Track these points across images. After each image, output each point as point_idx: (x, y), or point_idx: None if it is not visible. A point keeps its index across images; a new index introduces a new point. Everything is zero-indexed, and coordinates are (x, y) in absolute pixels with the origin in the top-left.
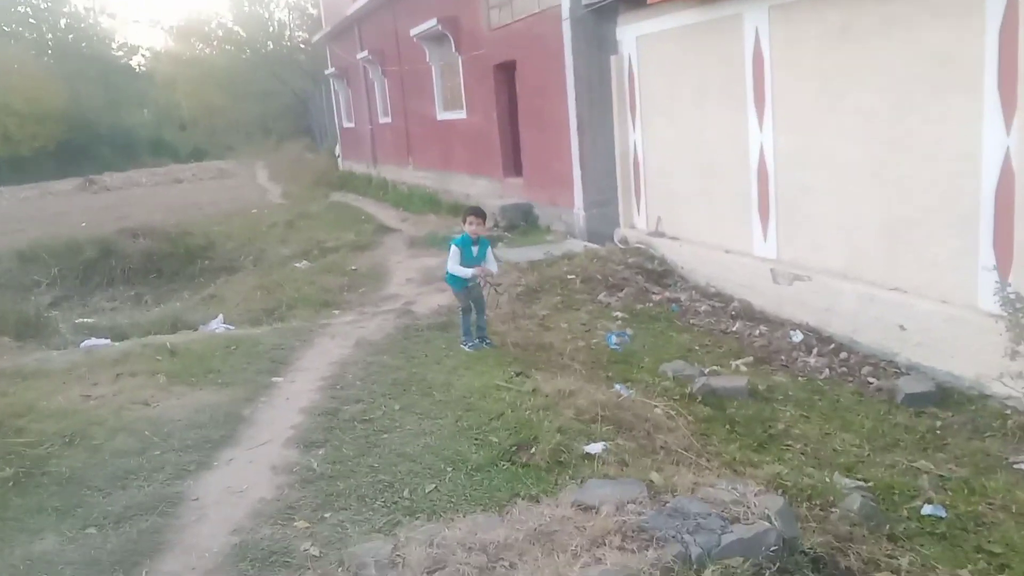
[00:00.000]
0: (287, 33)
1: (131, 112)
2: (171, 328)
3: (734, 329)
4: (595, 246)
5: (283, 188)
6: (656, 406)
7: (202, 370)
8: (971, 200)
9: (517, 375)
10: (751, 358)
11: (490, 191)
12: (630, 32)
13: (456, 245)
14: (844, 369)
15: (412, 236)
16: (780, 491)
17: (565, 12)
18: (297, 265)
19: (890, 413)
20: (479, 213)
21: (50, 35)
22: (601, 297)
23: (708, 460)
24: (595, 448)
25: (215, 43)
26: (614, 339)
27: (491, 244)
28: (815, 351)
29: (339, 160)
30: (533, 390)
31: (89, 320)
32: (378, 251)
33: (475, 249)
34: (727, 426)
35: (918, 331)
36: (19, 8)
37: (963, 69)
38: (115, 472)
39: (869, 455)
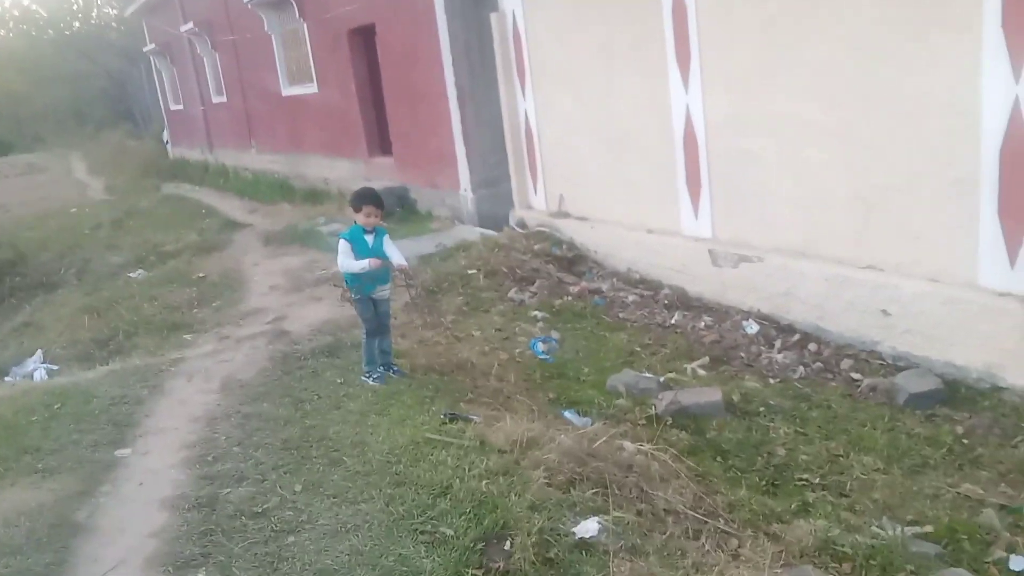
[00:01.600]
0: (94, 11)
1: None
2: None
3: (673, 322)
4: (490, 232)
5: (105, 181)
6: (643, 449)
7: (14, 450)
8: (969, 161)
9: (449, 419)
10: (706, 358)
11: (353, 174)
12: None
13: (345, 240)
14: (819, 364)
15: (267, 231)
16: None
17: None
18: (132, 276)
19: (898, 420)
20: (376, 200)
21: None
22: (512, 294)
23: (728, 522)
24: (589, 529)
25: (11, 24)
26: (540, 347)
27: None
28: (778, 344)
29: (168, 147)
30: (480, 443)
31: None
32: (228, 252)
33: (370, 239)
34: (717, 458)
35: (905, 316)
36: None
37: (954, 3)
38: None
39: (901, 484)
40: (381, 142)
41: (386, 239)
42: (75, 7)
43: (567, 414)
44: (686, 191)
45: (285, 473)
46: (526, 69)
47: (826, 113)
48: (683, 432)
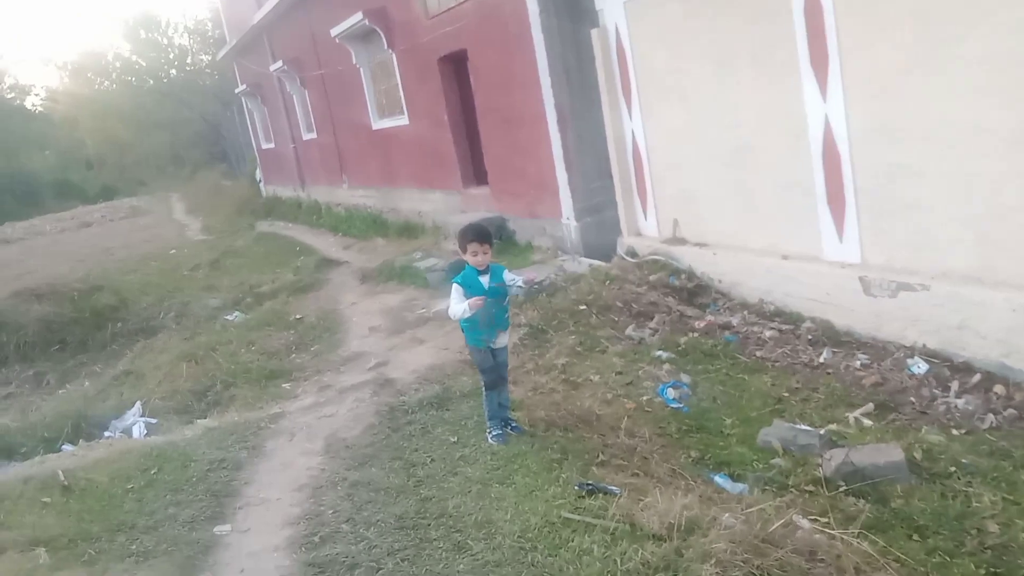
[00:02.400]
0: (189, 58)
1: (30, 156)
2: (73, 429)
3: (822, 361)
4: (599, 263)
5: (202, 221)
6: (825, 529)
7: (107, 525)
8: None
9: (586, 491)
10: (870, 405)
11: (448, 206)
12: None
13: (458, 284)
14: (1012, 411)
15: (363, 268)
16: None
17: None
18: (229, 318)
19: None
20: (480, 235)
21: None
22: (630, 331)
23: None
24: None
25: (114, 76)
26: (671, 393)
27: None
28: (955, 386)
29: (261, 185)
30: (631, 525)
31: None
32: (325, 291)
33: (485, 280)
34: (914, 536)
35: None
36: None
37: None
38: None
39: None
40: (475, 172)
41: (506, 275)
42: (171, 56)
43: (718, 479)
44: (827, 211)
45: (403, 560)
46: (632, 86)
47: (1003, 114)
48: (861, 500)
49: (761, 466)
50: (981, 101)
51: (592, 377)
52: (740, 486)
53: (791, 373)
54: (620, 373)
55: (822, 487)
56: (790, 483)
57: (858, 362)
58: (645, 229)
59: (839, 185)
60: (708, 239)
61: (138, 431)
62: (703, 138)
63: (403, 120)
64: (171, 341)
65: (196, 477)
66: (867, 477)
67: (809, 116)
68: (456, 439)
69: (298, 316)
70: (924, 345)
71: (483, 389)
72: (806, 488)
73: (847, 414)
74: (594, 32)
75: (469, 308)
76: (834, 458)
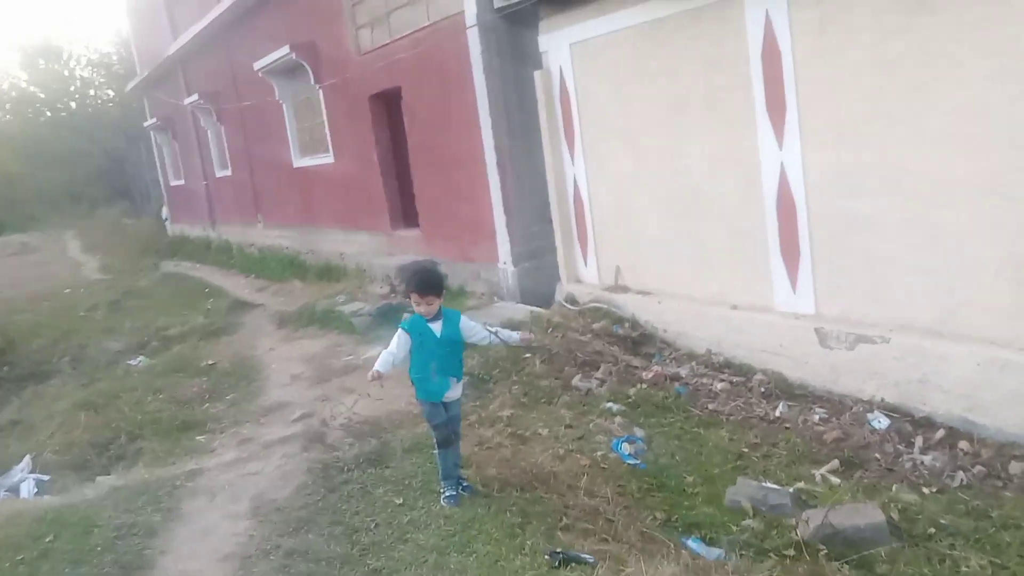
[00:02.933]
0: (92, 90)
1: None
2: None
3: (778, 415)
4: (538, 309)
5: (101, 260)
6: None
7: None
8: None
9: (558, 560)
10: (835, 461)
11: (375, 248)
12: (559, 39)
13: (404, 330)
14: (980, 468)
15: (280, 311)
16: None
17: (471, 19)
18: (132, 363)
19: None
20: (426, 287)
21: None
22: (576, 381)
23: None
24: None
25: (8, 106)
26: (626, 448)
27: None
28: (918, 442)
29: (167, 224)
30: None
31: None
32: (239, 335)
33: (437, 327)
34: None
35: None
36: None
37: None
38: None
39: None
40: (405, 213)
41: (463, 322)
42: (72, 88)
43: (692, 544)
44: (780, 261)
45: None
46: (575, 130)
47: (969, 165)
48: (845, 566)
49: (734, 528)
50: (947, 151)
51: (540, 430)
52: (716, 551)
53: (747, 427)
54: (570, 426)
55: (802, 551)
56: (767, 547)
57: (816, 416)
58: (585, 276)
59: (794, 234)
60: (652, 287)
61: (27, 490)
62: (651, 183)
63: (327, 158)
64: (66, 387)
65: (101, 546)
66: (847, 540)
67: (764, 164)
68: (401, 500)
69: (211, 362)
70: (883, 399)
71: (435, 446)
72: (785, 552)
73: (813, 471)
74: (537, 74)
75: (376, 373)
76: (811, 520)
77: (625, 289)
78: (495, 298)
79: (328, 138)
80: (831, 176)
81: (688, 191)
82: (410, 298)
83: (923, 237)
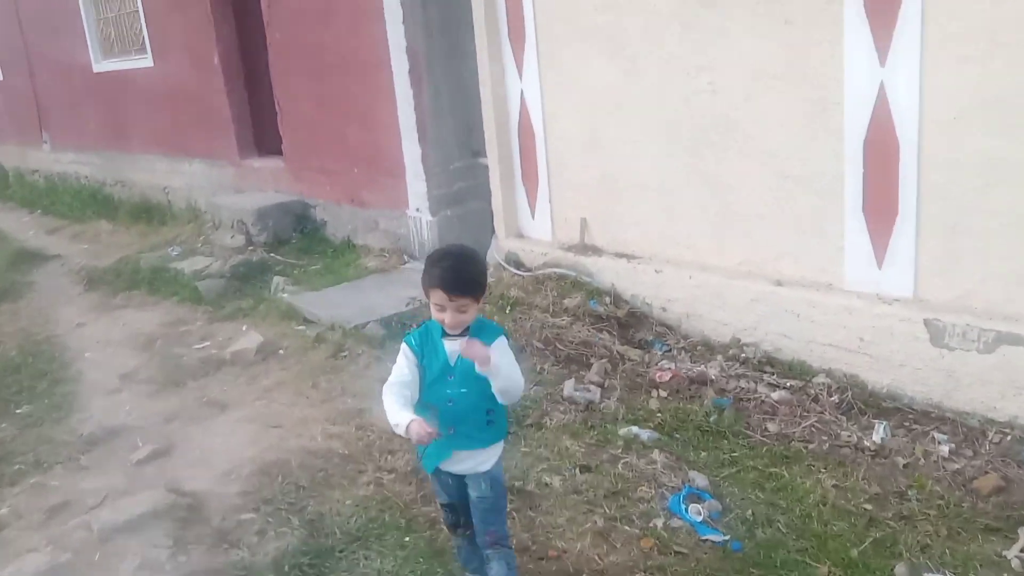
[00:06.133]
0: None
1: None
2: None
3: (878, 441)
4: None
5: None
6: None
7: None
8: None
9: None
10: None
11: (215, 181)
12: None
13: (408, 345)
14: None
15: (87, 266)
16: None
17: None
18: None
19: None
20: (457, 282)
21: None
22: (568, 390)
23: None
24: None
25: None
26: (693, 513)
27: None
28: None
29: None
30: None
31: None
32: (28, 302)
33: (452, 348)
34: None
35: None
36: None
37: None
38: None
39: None
40: (260, 137)
41: (497, 346)
42: None
43: None
44: (861, 221)
45: None
46: (526, 27)
47: None
48: None
49: None
50: None
51: (547, 479)
52: None
53: (841, 463)
54: (587, 468)
55: None
56: None
57: (944, 447)
58: (532, 231)
59: (890, 184)
60: (641, 249)
61: None
62: (647, 105)
63: (144, 60)
64: None
65: None
66: None
67: (850, 84)
68: None
69: None
70: None
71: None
72: None
73: (1005, 553)
74: None
75: (405, 434)
76: None
77: (597, 251)
78: (405, 257)
79: (144, 33)
80: (968, 105)
81: (710, 117)
82: (428, 296)
83: None
